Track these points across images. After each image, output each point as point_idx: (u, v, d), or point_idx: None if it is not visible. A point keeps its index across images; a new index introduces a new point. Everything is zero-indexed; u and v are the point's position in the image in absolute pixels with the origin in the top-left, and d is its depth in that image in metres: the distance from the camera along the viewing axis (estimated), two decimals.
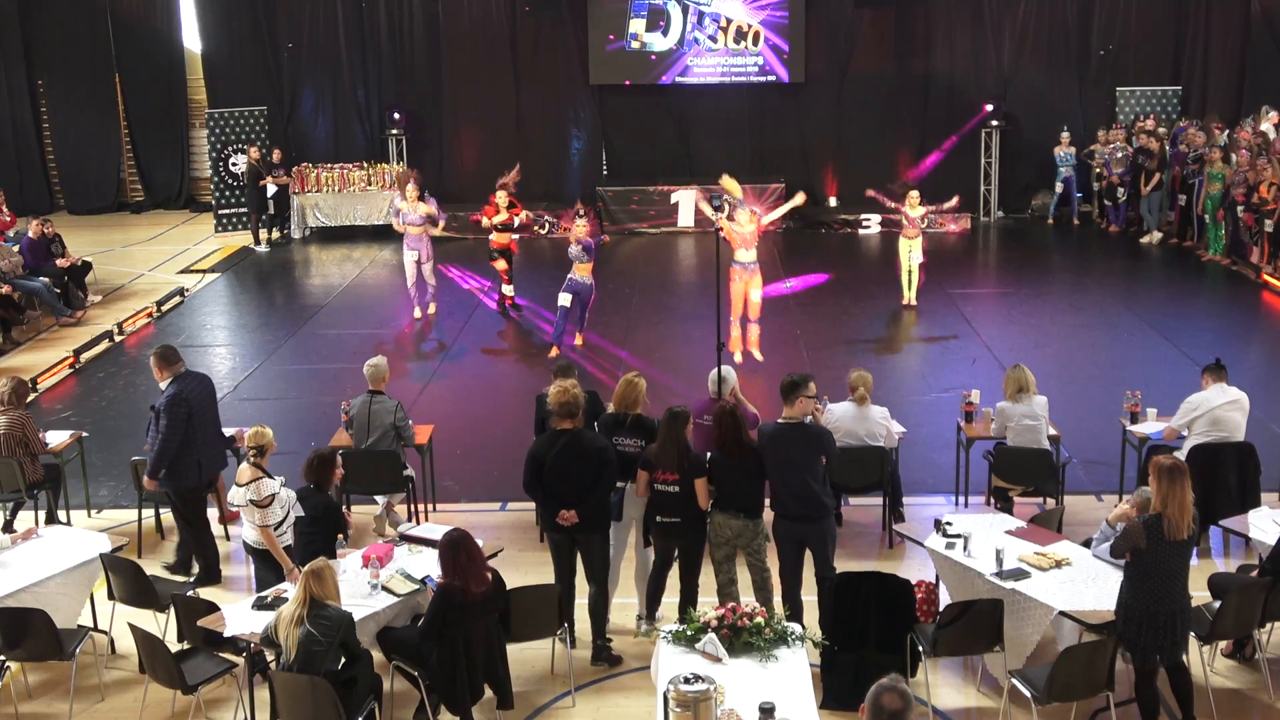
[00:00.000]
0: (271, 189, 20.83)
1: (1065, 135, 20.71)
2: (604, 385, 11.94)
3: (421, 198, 15.95)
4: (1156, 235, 19.52)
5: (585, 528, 8.10)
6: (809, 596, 8.11)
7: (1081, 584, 7.56)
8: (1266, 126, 18.54)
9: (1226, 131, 19.19)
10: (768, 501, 8.16)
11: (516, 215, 15.85)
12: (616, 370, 13.20)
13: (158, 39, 23.38)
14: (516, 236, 16.21)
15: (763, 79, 21.82)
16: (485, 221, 15.91)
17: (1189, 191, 18.97)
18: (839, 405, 9.87)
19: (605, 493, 8.15)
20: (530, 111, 22.40)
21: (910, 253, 16.07)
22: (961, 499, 10.36)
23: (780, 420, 8.15)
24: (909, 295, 16.13)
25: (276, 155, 21.08)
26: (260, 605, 7.52)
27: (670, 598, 8.28)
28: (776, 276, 18.02)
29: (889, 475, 9.80)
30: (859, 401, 9.79)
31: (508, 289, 16.34)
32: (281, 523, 8.28)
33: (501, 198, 15.77)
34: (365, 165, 21.43)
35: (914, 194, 16.12)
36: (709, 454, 8.25)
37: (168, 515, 10.26)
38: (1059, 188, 20.98)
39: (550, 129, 22.48)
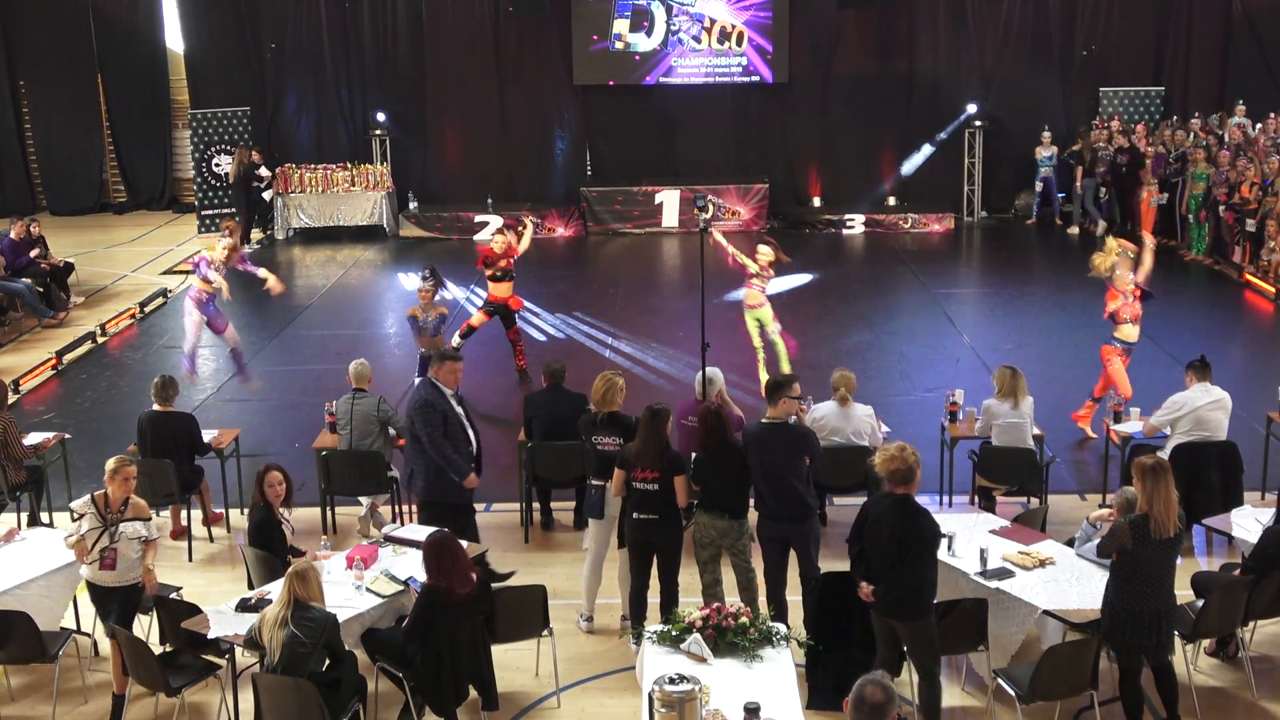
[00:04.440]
0: (268, 188, 20.83)
1: (1046, 135, 20.75)
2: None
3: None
4: (1102, 226, 19.41)
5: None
6: (794, 596, 8.12)
7: (1065, 583, 7.59)
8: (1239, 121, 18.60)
9: (1207, 128, 19.28)
10: (752, 502, 8.17)
11: (515, 255, 13.49)
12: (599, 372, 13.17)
13: (140, 39, 23.28)
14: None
15: (746, 79, 21.83)
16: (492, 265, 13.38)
17: (1171, 191, 19.03)
18: (822, 405, 9.87)
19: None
20: (514, 111, 22.36)
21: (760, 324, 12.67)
22: (946, 498, 10.38)
23: (764, 421, 8.16)
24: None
25: (256, 156, 21.01)
26: (244, 607, 7.49)
27: (651, 598, 8.26)
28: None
29: (873, 475, 9.79)
30: (841, 401, 9.80)
31: (456, 339, 13.51)
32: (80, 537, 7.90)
33: (498, 241, 13.46)
34: (349, 166, 21.37)
35: (765, 248, 12.57)
36: (693, 454, 8.24)
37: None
38: (1038, 187, 21.05)
39: (534, 129, 22.45)
